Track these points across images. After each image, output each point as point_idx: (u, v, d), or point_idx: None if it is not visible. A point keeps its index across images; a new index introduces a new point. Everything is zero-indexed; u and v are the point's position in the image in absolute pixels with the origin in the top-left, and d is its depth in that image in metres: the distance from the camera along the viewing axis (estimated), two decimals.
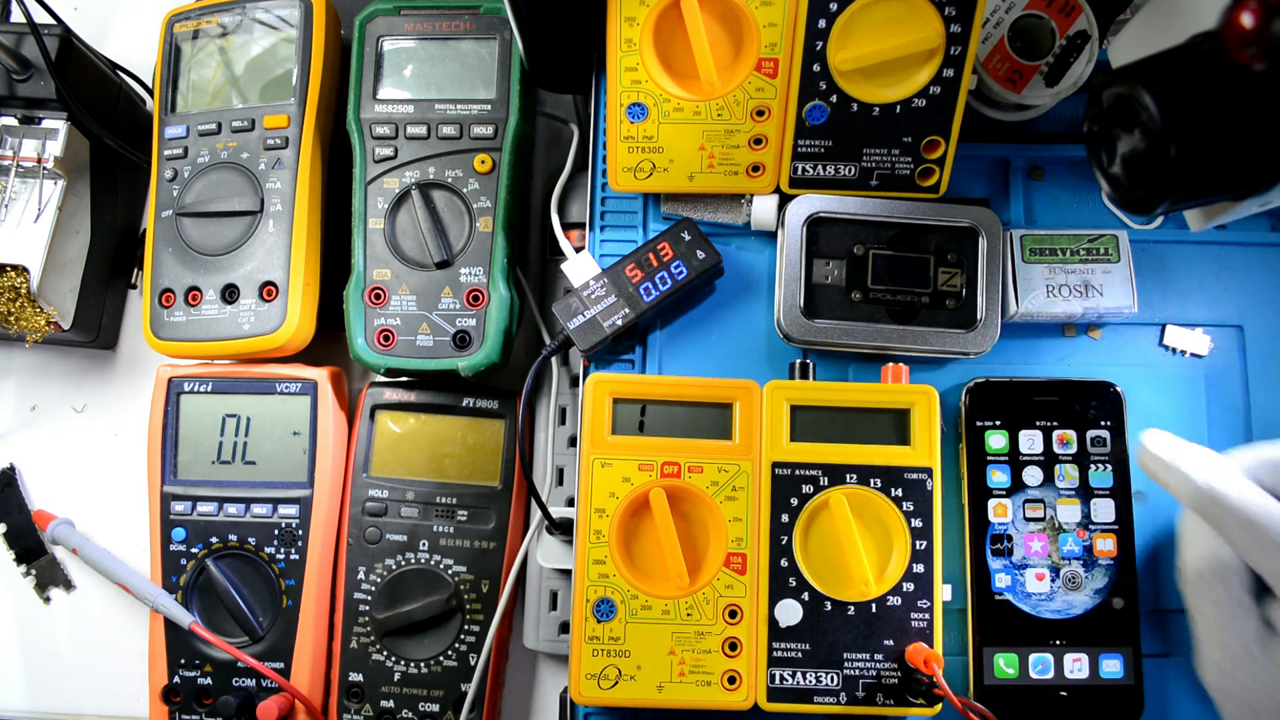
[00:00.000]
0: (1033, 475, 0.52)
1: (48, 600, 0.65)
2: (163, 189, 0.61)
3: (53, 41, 0.59)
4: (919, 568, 0.49)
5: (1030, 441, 0.52)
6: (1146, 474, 0.47)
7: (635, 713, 0.52)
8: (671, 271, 0.53)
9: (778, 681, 0.48)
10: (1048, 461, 0.52)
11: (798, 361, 0.52)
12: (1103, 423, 0.52)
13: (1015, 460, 0.52)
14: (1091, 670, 0.50)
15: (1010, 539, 0.52)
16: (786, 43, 0.50)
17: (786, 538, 0.49)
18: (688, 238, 0.53)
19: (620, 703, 0.49)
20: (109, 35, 0.73)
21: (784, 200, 0.54)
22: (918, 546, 0.49)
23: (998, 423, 0.52)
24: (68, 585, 0.65)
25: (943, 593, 0.49)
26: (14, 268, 0.59)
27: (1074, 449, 0.52)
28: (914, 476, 0.49)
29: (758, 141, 0.52)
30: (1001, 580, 0.51)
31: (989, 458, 0.52)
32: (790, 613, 0.49)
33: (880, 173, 0.53)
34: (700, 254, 0.53)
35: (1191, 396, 0.54)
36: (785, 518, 0.49)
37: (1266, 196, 0.40)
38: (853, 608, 0.49)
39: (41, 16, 0.60)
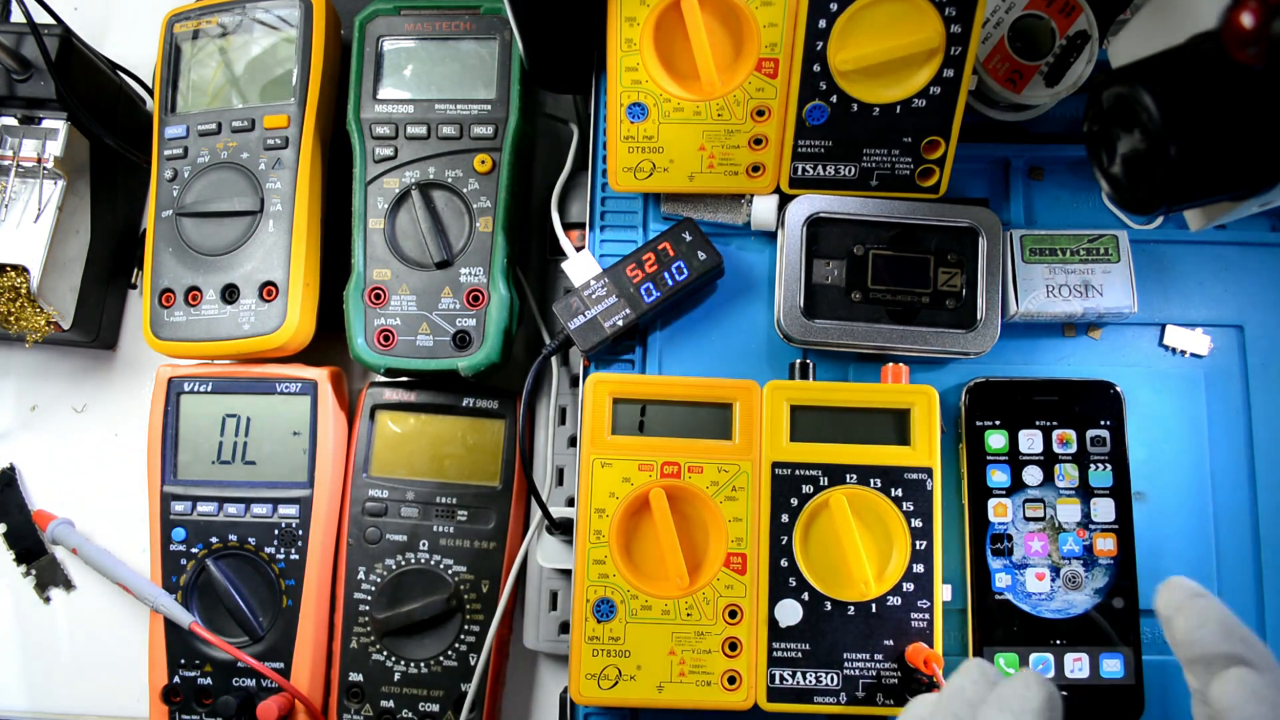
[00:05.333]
0: (1032, 475, 0.52)
1: (48, 600, 0.65)
2: (163, 189, 0.61)
3: (53, 41, 0.59)
4: (919, 568, 0.49)
5: (1030, 441, 0.52)
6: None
7: (635, 713, 0.52)
8: (673, 272, 0.53)
9: (778, 681, 0.48)
10: (1047, 461, 0.52)
11: (798, 361, 0.52)
12: (1102, 422, 0.52)
13: (1015, 460, 0.52)
14: (1092, 670, 0.50)
15: (1010, 539, 0.52)
16: (787, 43, 0.50)
17: (786, 538, 0.49)
18: (689, 238, 0.53)
19: (620, 703, 0.49)
20: (109, 35, 0.73)
21: (784, 200, 0.54)
22: (918, 546, 0.49)
23: (997, 422, 0.52)
24: (68, 585, 0.65)
25: (943, 593, 0.49)
26: (14, 268, 0.59)
27: (1074, 449, 0.52)
28: (914, 476, 0.49)
29: (758, 141, 0.52)
30: (1001, 580, 0.51)
31: (989, 457, 0.52)
32: (790, 613, 0.49)
33: (880, 173, 0.53)
34: (701, 254, 0.53)
35: (1191, 396, 0.54)
36: (785, 518, 0.49)
37: (1266, 196, 0.40)
38: (853, 608, 0.49)
39: (41, 16, 0.60)
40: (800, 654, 0.48)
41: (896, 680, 0.48)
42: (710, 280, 0.54)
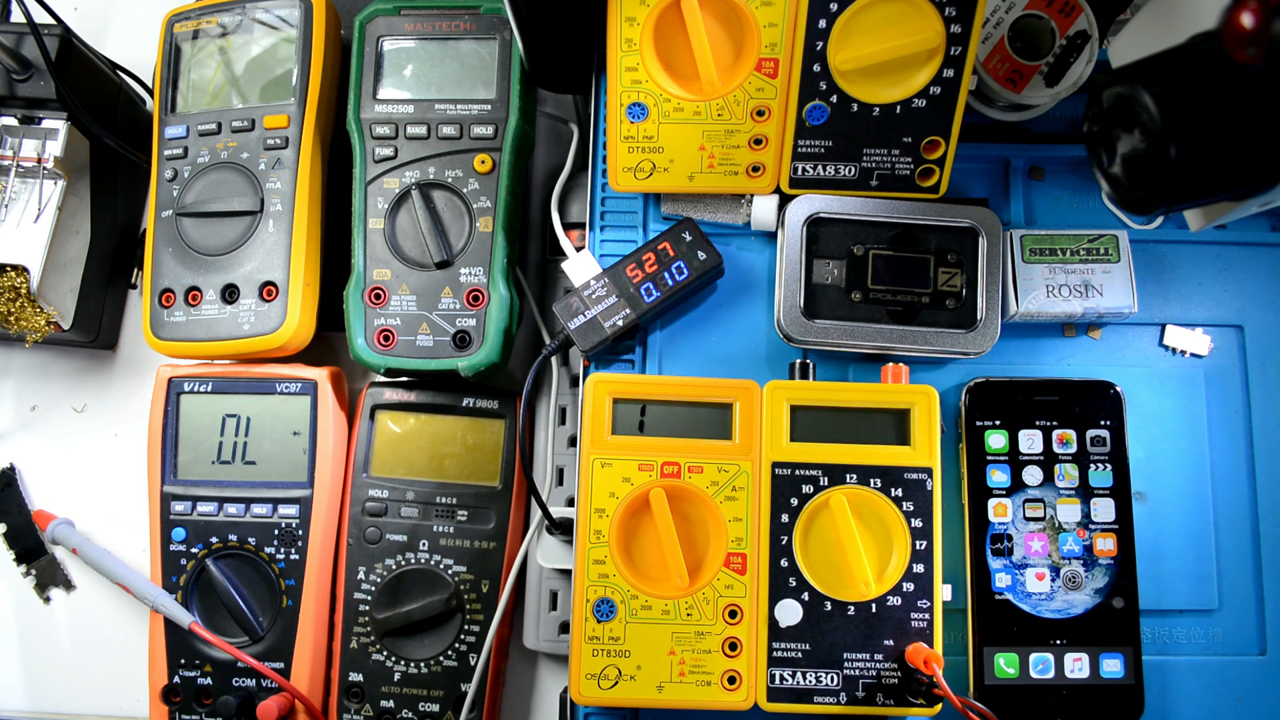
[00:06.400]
0: (1032, 475, 0.52)
1: (48, 600, 0.65)
2: (163, 189, 0.61)
3: (53, 41, 0.59)
4: (919, 568, 0.49)
5: (1030, 441, 0.52)
6: None
7: (635, 713, 0.52)
8: (673, 272, 0.53)
9: (778, 681, 0.48)
10: (1047, 461, 0.52)
11: (798, 361, 0.52)
12: (1102, 422, 0.52)
13: (1015, 460, 0.52)
14: (1092, 670, 0.50)
15: (1010, 539, 0.52)
16: (787, 43, 0.50)
17: (786, 538, 0.49)
18: (689, 238, 0.53)
19: (620, 703, 0.49)
20: (109, 35, 0.73)
21: (784, 200, 0.54)
22: (918, 546, 0.49)
23: (997, 422, 0.52)
24: (68, 585, 0.65)
25: (943, 593, 0.49)
26: (14, 268, 0.59)
27: (1074, 449, 0.52)
28: (914, 476, 0.49)
29: (758, 141, 0.52)
30: (1002, 580, 0.51)
31: (989, 457, 0.52)
32: (790, 613, 0.49)
33: (880, 173, 0.53)
34: (701, 254, 0.53)
35: (1191, 396, 0.54)
36: (785, 518, 0.49)
37: (1266, 196, 0.40)
38: (853, 608, 0.49)
39: (41, 16, 0.60)
40: (800, 654, 0.48)
41: (896, 680, 0.48)
42: (710, 280, 0.54)
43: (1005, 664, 0.51)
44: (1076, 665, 0.50)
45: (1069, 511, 0.52)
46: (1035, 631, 0.51)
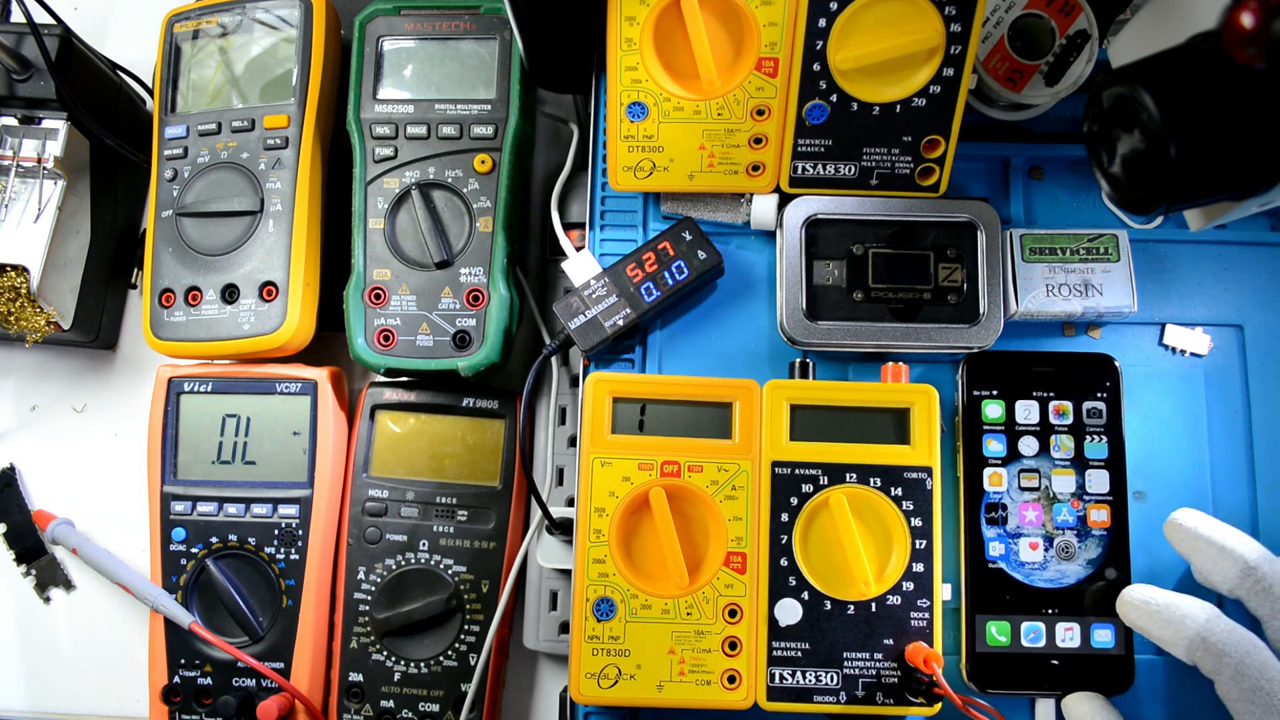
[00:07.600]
0: (1028, 445, 0.52)
1: (48, 600, 0.65)
2: (163, 189, 0.61)
3: (53, 41, 0.59)
4: (919, 567, 0.49)
5: (1027, 411, 0.52)
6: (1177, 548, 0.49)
7: (635, 712, 0.52)
8: (673, 271, 0.53)
9: (777, 681, 0.48)
10: (1044, 432, 0.52)
11: (797, 361, 0.52)
12: (1099, 395, 0.52)
13: (1011, 430, 0.52)
14: (1083, 639, 0.50)
15: (1005, 508, 0.52)
16: (786, 42, 0.50)
17: (786, 537, 0.49)
18: (689, 237, 0.53)
19: (620, 702, 0.49)
20: (109, 35, 0.73)
21: (784, 199, 0.54)
22: (917, 546, 0.49)
23: (994, 392, 0.52)
24: (68, 585, 0.65)
25: (942, 592, 0.49)
26: (14, 268, 0.59)
27: (1070, 420, 0.52)
28: (914, 476, 0.49)
29: (758, 141, 0.52)
30: (995, 549, 0.51)
31: (985, 427, 0.52)
32: (790, 612, 0.49)
33: (880, 172, 0.53)
34: (701, 254, 0.53)
35: (1191, 396, 0.54)
36: (785, 517, 0.49)
37: (1266, 196, 0.40)
38: (852, 607, 0.49)
39: (41, 16, 0.60)
40: (800, 653, 0.48)
41: (896, 680, 0.48)
42: (710, 279, 0.54)
43: (997, 632, 0.51)
44: (1068, 634, 0.50)
45: (1064, 482, 0.51)
46: (1027, 600, 0.51)
